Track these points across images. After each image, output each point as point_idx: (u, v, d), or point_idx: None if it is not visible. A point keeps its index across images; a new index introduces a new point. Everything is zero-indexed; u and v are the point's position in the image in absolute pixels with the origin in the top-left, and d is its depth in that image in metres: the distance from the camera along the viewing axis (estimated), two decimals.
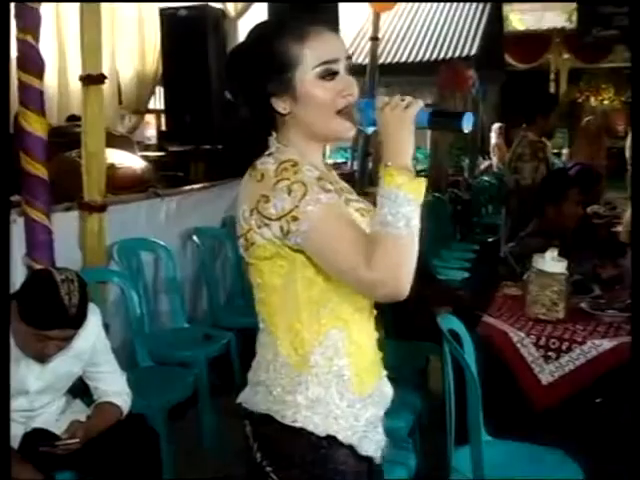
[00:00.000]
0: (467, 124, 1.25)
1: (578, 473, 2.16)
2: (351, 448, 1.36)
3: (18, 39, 2.72)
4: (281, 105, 1.34)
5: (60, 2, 5.23)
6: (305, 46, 1.31)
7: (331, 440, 1.33)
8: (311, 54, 1.31)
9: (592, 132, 8.57)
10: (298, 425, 1.32)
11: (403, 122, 1.26)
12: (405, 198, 1.21)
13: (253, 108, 1.38)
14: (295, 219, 1.23)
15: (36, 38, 2.75)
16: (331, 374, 1.34)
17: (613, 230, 4.62)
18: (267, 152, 1.36)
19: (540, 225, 3.45)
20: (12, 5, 2.71)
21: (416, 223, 1.22)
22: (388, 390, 1.47)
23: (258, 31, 1.38)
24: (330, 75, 1.32)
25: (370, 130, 1.35)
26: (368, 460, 1.40)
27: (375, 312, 1.45)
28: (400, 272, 1.20)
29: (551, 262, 2.64)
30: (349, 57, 1.36)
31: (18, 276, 2.73)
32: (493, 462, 2.15)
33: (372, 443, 1.39)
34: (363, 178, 6.56)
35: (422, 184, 1.24)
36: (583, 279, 3.03)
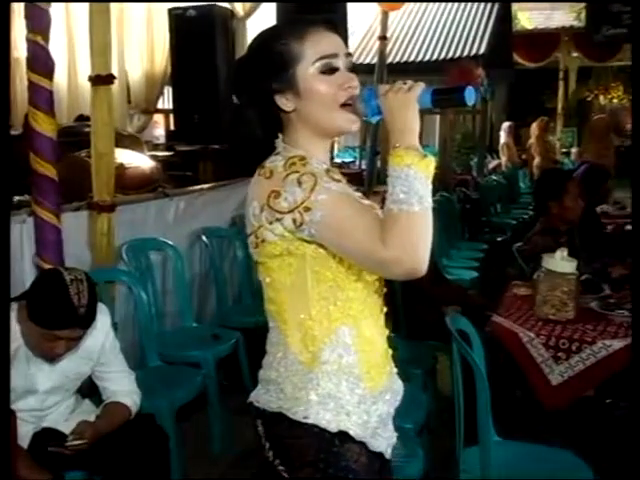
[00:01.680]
0: (469, 97, 1.26)
1: (588, 474, 2.15)
2: (363, 445, 1.36)
3: (28, 40, 2.72)
4: (285, 102, 1.36)
5: (70, 2, 5.25)
6: (305, 43, 1.34)
7: (343, 437, 1.34)
8: (311, 50, 1.34)
9: (601, 130, 8.54)
10: (310, 422, 1.33)
11: (407, 104, 1.28)
12: (416, 176, 1.22)
13: (259, 108, 1.40)
14: (307, 209, 1.24)
15: (46, 39, 2.75)
16: (341, 370, 1.34)
17: (623, 229, 4.59)
18: (274, 152, 1.38)
19: (546, 223, 3.44)
20: (22, 6, 2.73)
21: (429, 200, 1.23)
22: (399, 387, 1.48)
23: (261, 35, 1.42)
24: (330, 70, 1.34)
25: (375, 119, 1.36)
26: (379, 456, 1.41)
27: (385, 309, 1.45)
28: (416, 249, 1.20)
29: (561, 262, 2.63)
30: (349, 54, 1.39)
31: (27, 276, 2.74)
32: (502, 463, 2.15)
33: (383, 440, 1.41)
34: (372, 177, 6.55)
35: (431, 162, 1.25)
36: (593, 278, 3.02)
